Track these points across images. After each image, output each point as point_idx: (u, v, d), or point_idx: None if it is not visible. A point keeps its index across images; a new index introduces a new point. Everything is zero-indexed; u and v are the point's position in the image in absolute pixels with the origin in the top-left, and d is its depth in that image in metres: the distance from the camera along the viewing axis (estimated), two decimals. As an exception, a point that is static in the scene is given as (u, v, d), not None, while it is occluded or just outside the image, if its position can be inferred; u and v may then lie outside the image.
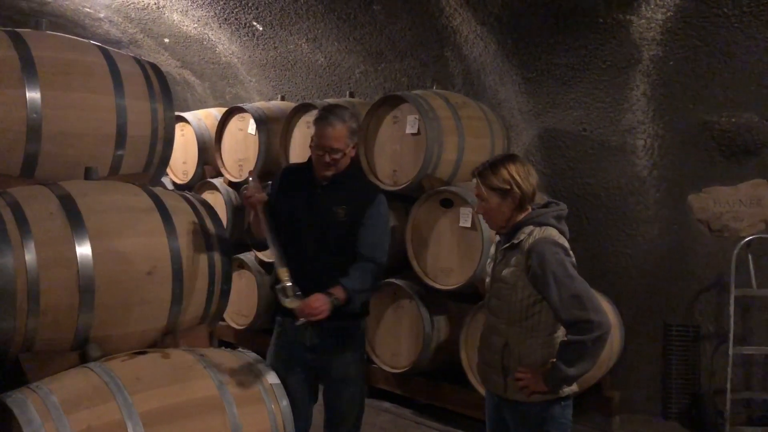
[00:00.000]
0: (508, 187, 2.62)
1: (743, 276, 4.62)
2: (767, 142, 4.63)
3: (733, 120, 4.62)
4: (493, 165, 2.67)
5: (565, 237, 2.65)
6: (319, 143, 3.01)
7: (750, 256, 4.65)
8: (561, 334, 2.63)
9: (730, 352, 4.56)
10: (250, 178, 3.06)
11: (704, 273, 4.90)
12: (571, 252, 2.61)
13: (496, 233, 2.81)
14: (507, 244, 2.66)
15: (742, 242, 4.63)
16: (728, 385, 4.54)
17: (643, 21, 4.42)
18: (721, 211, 4.83)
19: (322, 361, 3.17)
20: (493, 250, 2.86)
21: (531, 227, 2.63)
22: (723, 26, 4.32)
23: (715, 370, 4.85)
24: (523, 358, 2.62)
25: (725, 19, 4.28)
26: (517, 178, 2.63)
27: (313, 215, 3.09)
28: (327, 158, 3.01)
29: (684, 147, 4.80)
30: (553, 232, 2.62)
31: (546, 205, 2.73)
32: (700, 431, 4.72)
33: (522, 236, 2.61)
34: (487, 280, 2.82)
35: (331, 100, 5.61)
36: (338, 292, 2.94)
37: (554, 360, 2.56)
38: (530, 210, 2.69)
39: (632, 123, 4.83)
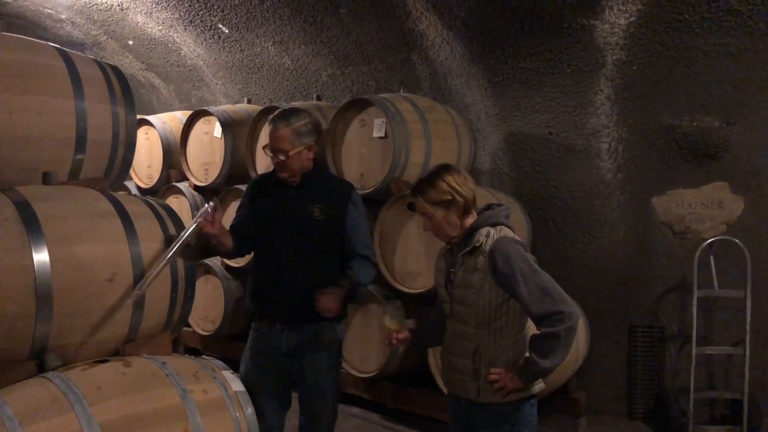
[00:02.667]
0: (450, 197, 2.64)
1: (705, 277, 4.70)
2: (728, 146, 4.72)
3: (695, 124, 4.70)
4: (430, 180, 2.69)
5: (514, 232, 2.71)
6: (268, 146, 3.13)
7: (712, 258, 4.73)
8: (528, 331, 2.67)
9: (693, 352, 4.63)
10: (211, 204, 3.00)
11: (668, 274, 4.98)
12: (527, 250, 2.65)
13: (447, 243, 2.80)
14: (466, 249, 2.66)
15: (704, 244, 4.70)
16: (691, 385, 4.61)
17: (607, 26, 4.48)
18: (684, 214, 4.90)
19: (298, 366, 3.19)
20: (438, 260, 2.84)
21: (487, 228, 2.65)
22: (684, 32, 4.39)
23: (679, 370, 4.92)
24: (494, 360, 2.63)
25: (686, 25, 4.36)
26: (456, 186, 2.65)
27: (289, 216, 3.13)
28: (275, 159, 3.10)
29: (647, 150, 4.87)
30: (508, 231, 2.66)
31: (489, 207, 2.75)
32: (665, 430, 4.78)
33: (480, 239, 2.62)
34: (442, 290, 2.79)
35: (297, 104, 5.58)
36: (347, 284, 3.11)
37: (527, 355, 2.58)
38: (476, 214, 2.71)
39: (597, 126, 4.89)
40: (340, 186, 3.40)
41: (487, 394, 2.64)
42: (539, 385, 2.67)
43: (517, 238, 2.65)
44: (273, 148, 3.08)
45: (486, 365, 2.63)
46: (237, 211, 3.34)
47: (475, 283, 2.62)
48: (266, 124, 3.23)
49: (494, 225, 2.66)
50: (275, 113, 3.19)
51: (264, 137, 5.38)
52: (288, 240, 3.12)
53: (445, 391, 4.44)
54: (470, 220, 2.70)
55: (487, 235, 2.62)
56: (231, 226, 3.22)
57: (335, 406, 3.34)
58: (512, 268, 2.52)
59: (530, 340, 2.61)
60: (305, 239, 3.12)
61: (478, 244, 2.62)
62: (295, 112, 3.13)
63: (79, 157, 3.14)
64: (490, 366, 2.63)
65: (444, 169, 2.73)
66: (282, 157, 3.06)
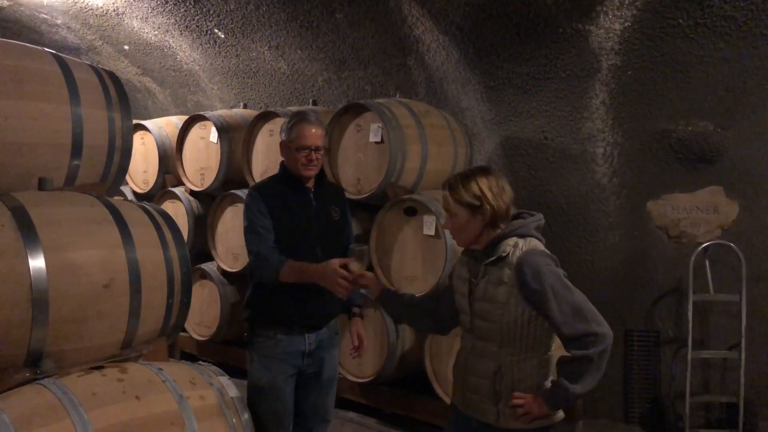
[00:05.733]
0: (478, 203, 2.45)
1: (701, 281, 4.72)
2: (723, 150, 4.74)
3: (690, 129, 4.72)
4: (464, 177, 2.49)
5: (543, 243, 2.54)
6: (302, 144, 3.12)
7: (707, 262, 4.74)
8: (554, 353, 2.49)
9: (689, 356, 4.64)
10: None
11: (663, 279, 4.99)
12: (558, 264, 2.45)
13: (464, 248, 2.60)
14: (490, 259, 2.44)
15: (700, 248, 4.72)
16: (687, 389, 4.62)
17: (602, 31, 4.50)
18: (679, 218, 4.92)
19: (317, 364, 3.25)
20: (460, 267, 2.62)
21: (515, 239, 2.45)
22: (678, 37, 4.41)
23: (675, 374, 4.93)
24: (517, 383, 2.43)
25: (680, 30, 4.38)
26: (488, 193, 2.45)
27: (317, 219, 3.21)
28: (312, 156, 3.14)
29: (643, 155, 4.89)
30: (538, 243, 2.47)
31: (519, 216, 2.56)
32: (661, 435, 4.79)
33: (507, 249, 2.42)
34: (463, 300, 2.57)
35: (294, 109, 5.59)
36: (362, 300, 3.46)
37: (555, 378, 2.41)
38: (503, 227, 2.50)
39: (592, 131, 4.90)
40: (338, 189, 3.65)
41: (507, 419, 2.43)
42: (560, 414, 2.49)
43: (547, 251, 2.45)
44: (310, 145, 3.12)
45: (508, 388, 2.43)
46: (255, 225, 3.12)
47: (500, 297, 2.41)
48: (292, 125, 3.17)
49: (523, 236, 2.46)
50: (297, 113, 3.22)
51: (261, 142, 5.39)
52: (318, 241, 3.18)
53: (441, 395, 4.46)
54: (495, 232, 2.49)
55: (515, 246, 2.42)
56: (273, 244, 3.12)
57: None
58: (543, 283, 2.32)
59: (559, 363, 2.41)
60: (331, 240, 3.23)
61: (504, 254, 2.42)
62: (314, 112, 3.28)
63: (75, 162, 3.14)
64: (512, 389, 2.42)
65: (482, 170, 2.53)
66: (320, 154, 3.17)
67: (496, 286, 2.42)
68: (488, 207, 2.45)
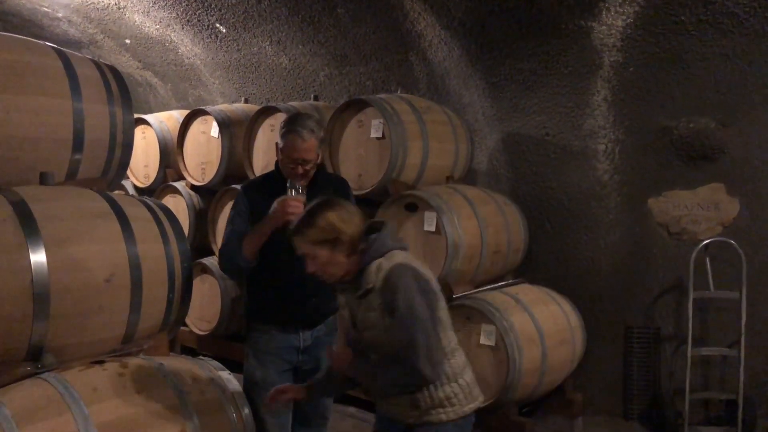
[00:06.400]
0: (333, 236, 2.39)
1: (701, 278, 4.71)
2: (724, 148, 4.74)
3: (691, 125, 4.71)
4: (310, 218, 2.41)
5: (406, 250, 2.48)
6: (290, 156, 3.03)
7: (708, 259, 4.74)
8: (460, 348, 2.52)
9: (689, 353, 4.64)
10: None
11: (664, 276, 4.99)
12: (421, 271, 2.41)
13: (335, 284, 2.54)
14: (360, 292, 2.41)
15: (700, 245, 4.72)
16: (687, 386, 4.63)
17: (604, 27, 4.49)
18: (680, 215, 4.92)
19: (312, 361, 3.21)
20: (343, 309, 2.59)
21: (377, 262, 2.39)
22: (680, 33, 4.41)
23: (675, 371, 4.94)
24: (433, 390, 2.41)
25: (682, 27, 4.37)
26: (339, 224, 2.39)
27: None
28: (300, 170, 3.04)
29: (644, 151, 4.88)
30: (398, 256, 2.41)
31: (372, 228, 2.47)
32: (661, 431, 4.79)
33: (371, 278, 2.38)
34: (349, 334, 2.56)
35: (295, 104, 5.58)
36: None
37: (370, 358, 2.44)
38: (364, 245, 2.43)
39: (593, 128, 4.90)
40: (337, 180, 3.54)
41: (430, 415, 2.44)
42: (470, 406, 2.49)
43: (406, 262, 2.39)
44: (297, 158, 3.01)
45: (425, 395, 2.41)
46: (231, 223, 3.15)
47: (378, 322, 2.38)
48: (284, 132, 3.07)
49: (383, 254, 2.40)
50: (290, 120, 3.10)
51: (262, 137, 5.38)
52: None
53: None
54: (358, 257, 2.42)
55: (378, 270, 2.37)
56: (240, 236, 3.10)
57: None
58: (395, 306, 2.30)
59: (383, 358, 2.40)
60: None
61: (370, 287, 2.38)
62: (311, 118, 3.11)
63: (76, 157, 3.14)
64: (431, 398, 2.40)
65: (324, 205, 2.45)
66: (308, 167, 3.04)
67: (372, 312, 2.40)
68: (344, 236, 2.39)
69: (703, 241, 4.75)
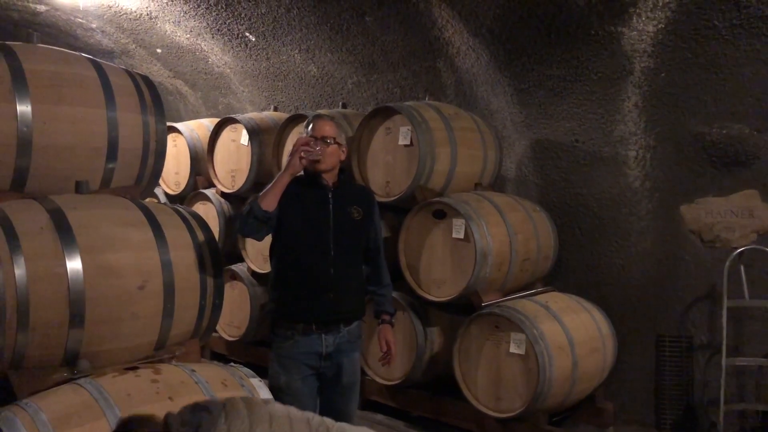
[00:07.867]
0: None
1: (735, 287, 4.63)
2: (758, 154, 4.65)
3: (725, 131, 4.64)
4: None
5: None
6: (312, 135, 3.17)
7: (742, 267, 4.65)
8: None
9: (723, 363, 4.56)
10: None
11: (696, 284, 4.91)
12: None
13: None
14: None
15: (735, 253, 4.64)
16: (721, 396, 4.54)
17: (635, 33, 4.45)
18: (713, 222, 4.84)
19: (335, 367, 3.22)
20: None
21: None
22: (713, 38, 4.34)
23: (708, 381, 4.85)
24: None
25: (715, 32, 4.31)
26: None
27: (333, 217, 3.19)
28: (320, 148, 3.14)
29: (676, 158, 4.82)
30: None
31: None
32: (694, 442, 4.72)
33: None
34: None
35: (323, 111, 5.62)
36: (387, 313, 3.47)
37: None
38: None
39: (624, 134, 4.85)
40: (364, 190, 3.71)
41: None
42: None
43: None
44: (319, 135, 3.15)
45: None
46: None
47: None
48: (302, 128, 3.35)
49: None
50: (311, 116, 3.31)
51: (291, 145, 5.40)
52: (334, 240, 3.17)
53: (470, 399, 4.44)
54: None
55: None
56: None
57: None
58: None
59: None
60: (348, 240, 3.22)
61: None
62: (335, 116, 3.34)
63: (110, 166, 3.20)
64: None
65: None
66: (329, 142, 3.16)
67: None
68: None
69: (737, 248, 4.67)
